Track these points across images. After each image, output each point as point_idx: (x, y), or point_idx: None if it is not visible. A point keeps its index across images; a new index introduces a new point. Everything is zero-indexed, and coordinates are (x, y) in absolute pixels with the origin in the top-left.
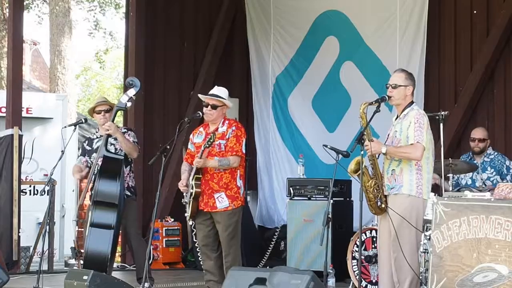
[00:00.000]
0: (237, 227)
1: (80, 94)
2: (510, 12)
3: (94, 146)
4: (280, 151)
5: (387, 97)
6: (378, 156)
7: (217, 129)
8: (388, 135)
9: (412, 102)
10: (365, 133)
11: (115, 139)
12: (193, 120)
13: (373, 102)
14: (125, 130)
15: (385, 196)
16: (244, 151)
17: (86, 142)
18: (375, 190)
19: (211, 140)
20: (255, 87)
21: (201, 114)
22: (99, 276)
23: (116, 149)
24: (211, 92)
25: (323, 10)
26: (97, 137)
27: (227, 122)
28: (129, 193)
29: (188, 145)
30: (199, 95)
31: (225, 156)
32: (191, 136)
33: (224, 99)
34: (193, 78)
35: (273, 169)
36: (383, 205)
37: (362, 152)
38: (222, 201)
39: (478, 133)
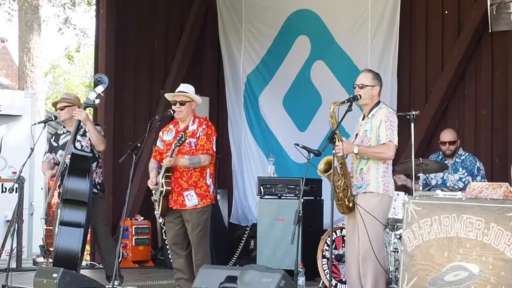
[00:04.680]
0: (206, 225)
1: (48, 91)
2: (481, 13)
3: (61, 142)
4: (252, 150)
5: (359, 96)
6: (347, 156)
7: (187, 127)
8: (356, 135)
9: (379, 102)
10: (336, 133)
11: (82, 135)
12: (164, 118)
13: (345, 101)
14: None
15: (353, 196)
16: (214, 150)
17: (53, 138)
18: (344, 190)
19: (182, 139)
20: (228, 86)
21: (172, 112)
22: (69, 274)
23: (82, 146)
24: (177, 90)
25: (295, 9)
26: (63, 133)
27: (197, 120)
28: (96, 190)
29: (157, 142)
30: (166, 95)
31: (195, 155)
32: (160, 133)
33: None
34: (164, 76)
35: (245, 167)
36: (350, 204)
37: (333, 152)
38: (191, 199)
39: (447, 136)
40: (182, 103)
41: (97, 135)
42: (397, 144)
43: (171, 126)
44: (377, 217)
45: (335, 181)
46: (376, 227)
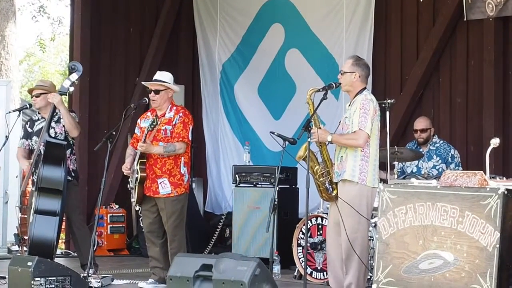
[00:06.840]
0: (182, 214)
1: (23, 80)
2: (456, 1)
3: (35, 129)
4: (228, 138)
5: (334, 84)
6: (328, 143)
7: (164, 115)
8: (339, 122)
9: (364, 89)
10: (312, 120)
11: (56, 122)
12: (139, 106)
13: (320, 89)
14: None
15: (336, 184)
16: (190, 138)
17: (28, 124)
18: (323, 176)
19: (154, 124)
20: (204, 74)
21: (147, 100)
22: (44, 262)
23: (56, 132)
24: (154, 78)
25: None
26: (38, 119)
27: (174, 108)
28: (70, 177)
29: (135, 130)
30: (142, 82)
31: (170, 142)
32: (138, 120)
33: (166, 82)
34: (139, 64)
35: (221, 156)
36: (334, 192)
37: (309, 139)
38: (164, 187)
39: (419, 123)
40: (157, 92)
41: (70, 120)
42: (369, 132)
43: (148, 113)
44: (359, 208)
45: (313, 167)
46: (356, 218)
